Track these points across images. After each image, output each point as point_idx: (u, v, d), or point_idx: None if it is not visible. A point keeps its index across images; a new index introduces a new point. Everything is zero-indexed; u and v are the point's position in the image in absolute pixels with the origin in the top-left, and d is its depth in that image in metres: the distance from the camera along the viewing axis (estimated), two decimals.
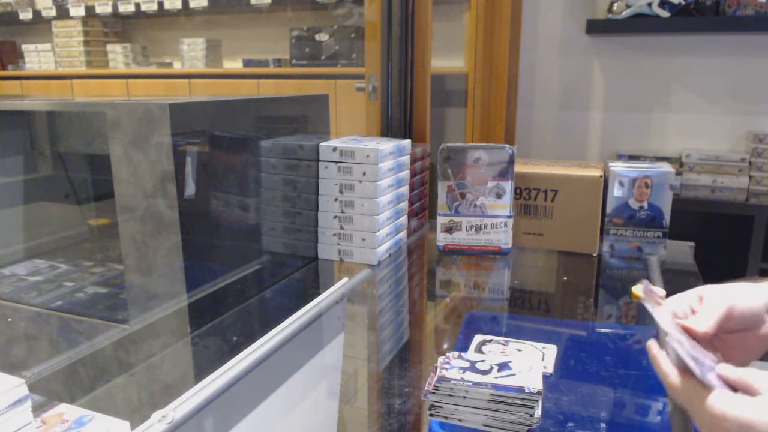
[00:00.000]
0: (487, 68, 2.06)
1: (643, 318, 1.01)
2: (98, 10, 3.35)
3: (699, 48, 2.18)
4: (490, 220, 1.28)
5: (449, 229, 1.30)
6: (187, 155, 0.84)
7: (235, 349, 0.77)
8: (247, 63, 3.02)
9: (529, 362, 0.71)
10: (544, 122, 2.44)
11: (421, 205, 1.46)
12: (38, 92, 3.47)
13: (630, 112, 2.31)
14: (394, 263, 1.25)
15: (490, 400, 0.65)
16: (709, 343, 0.51)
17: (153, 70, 3.28)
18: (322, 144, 1.19)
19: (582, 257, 1.28)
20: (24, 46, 3.68)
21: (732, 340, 0.53)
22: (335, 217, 1.20)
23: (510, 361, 0.71)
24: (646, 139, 2.31)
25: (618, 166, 1.26)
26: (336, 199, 1.19)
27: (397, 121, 1.50)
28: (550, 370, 0.80)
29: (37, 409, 0.56)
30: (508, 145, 1.27)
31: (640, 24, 2.11)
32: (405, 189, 1.31)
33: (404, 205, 1.32)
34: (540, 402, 0.65)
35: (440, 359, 0.72)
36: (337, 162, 1.17)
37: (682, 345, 0.48)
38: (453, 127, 2.46)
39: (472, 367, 0.69)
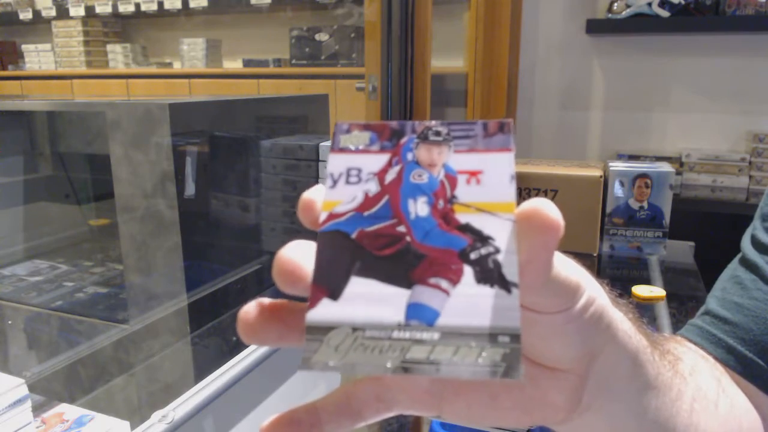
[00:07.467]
0: (487, 68, 2.06)
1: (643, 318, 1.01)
2: (98, 10, 3.35)
3: (699, 48, 2.18)
4: None
5: None
6: (187, 155, 0.84)
7: (235, 349, 0.77)
8: (247, 63, 3.02)
9: None
10: (544, 122, 2.44)
11: None
12: (38, 92, 3.47)
13: (630, 112, 2.31)
14: None
15: None
16: None
17: (153, 70, 3.27)
18: (322, 144, 1.19)
19: (582, 257, 1.28)
20: (24, 46, 3.68)
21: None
22: None
23: None
24: (646, 139, 2.31)
25: (618, 166, 1.26)
26: None
27: None
28: None
29: (37, 409, 0.56)
30: None
31: (640, 24, 2.11)
32: None
33: None
34: None
35: None
36: None
37: None
38: None
39: None
